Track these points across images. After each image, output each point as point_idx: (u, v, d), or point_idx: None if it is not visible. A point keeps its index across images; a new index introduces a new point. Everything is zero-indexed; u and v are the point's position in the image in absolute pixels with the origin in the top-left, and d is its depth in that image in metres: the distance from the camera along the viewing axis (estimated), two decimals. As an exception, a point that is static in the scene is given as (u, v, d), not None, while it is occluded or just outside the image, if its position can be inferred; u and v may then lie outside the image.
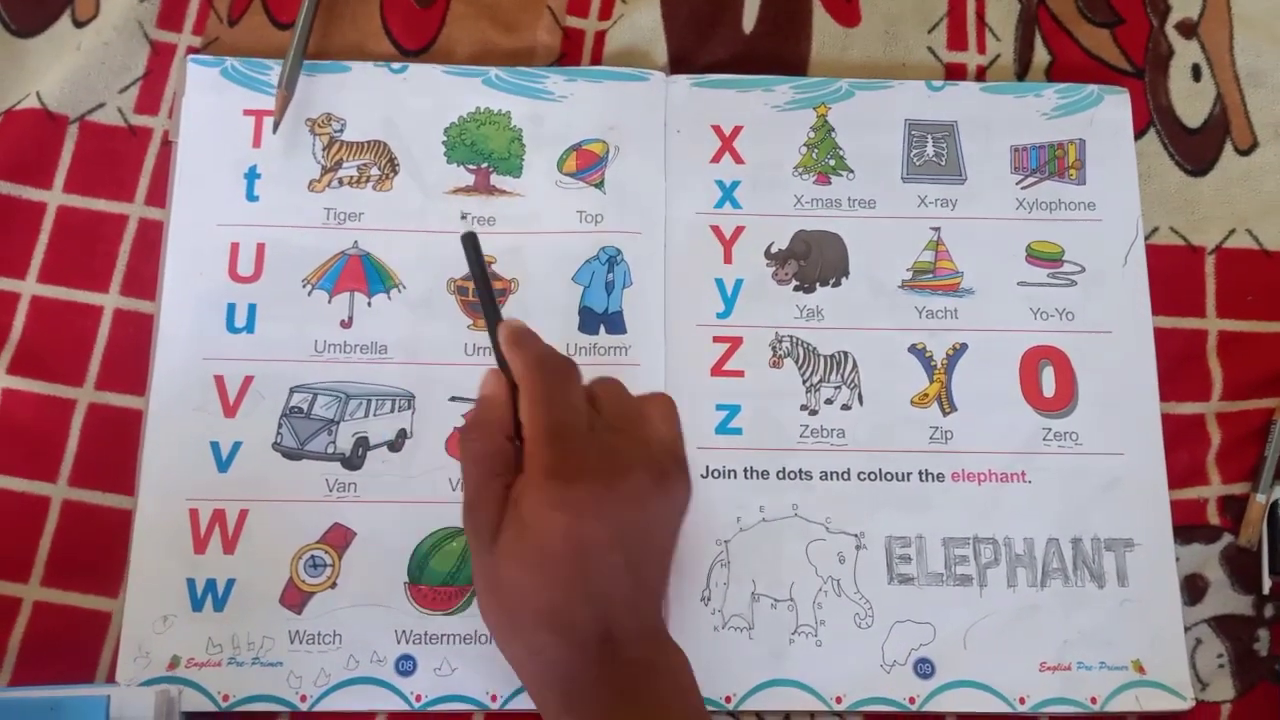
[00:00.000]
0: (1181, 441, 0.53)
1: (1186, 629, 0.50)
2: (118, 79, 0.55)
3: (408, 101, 0.55)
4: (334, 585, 0.49)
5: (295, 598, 0.49)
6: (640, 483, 0.41)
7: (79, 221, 0.53)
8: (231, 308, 0.52)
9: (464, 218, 0.53)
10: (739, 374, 0.53)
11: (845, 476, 0.52)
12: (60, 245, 0.53)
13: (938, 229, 0.55)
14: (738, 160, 0.55)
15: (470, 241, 0.44)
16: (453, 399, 0.51)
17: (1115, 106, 0.57)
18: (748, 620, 0.50)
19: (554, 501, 0.40)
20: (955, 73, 0.58)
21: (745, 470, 0.52)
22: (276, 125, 0.53)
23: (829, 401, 0.53)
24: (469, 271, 0.45)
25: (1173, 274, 0.55)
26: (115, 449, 0.50)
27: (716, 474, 0.51)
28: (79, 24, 0.56)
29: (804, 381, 0.53)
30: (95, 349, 0.52)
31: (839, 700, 0.49)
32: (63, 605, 0.49)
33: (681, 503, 0.44)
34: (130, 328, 0.52)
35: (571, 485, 0.40)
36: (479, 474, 0.42)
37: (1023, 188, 0.56)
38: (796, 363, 0.53)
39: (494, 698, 0.48)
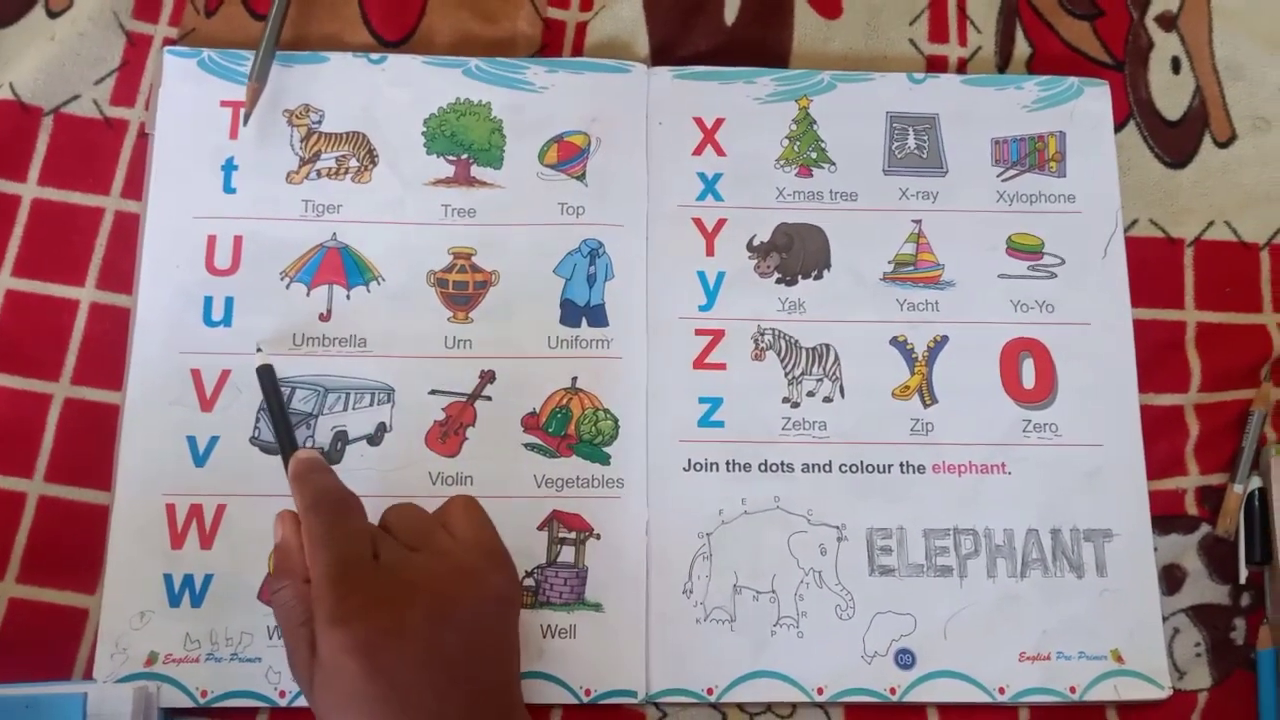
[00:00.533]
0: (1160, 432, 0.53)
1: (1164, 618, 0.51)
2: (93, 70, 0.54)
3: (387, 92, 0.55)
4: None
5: (274, 593, 0.49)
6: (433, 598, 0.40)
7: (54, 214, 0.53)
8: (209, 301, 0.52)
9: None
10: (721, 367, 0.53)
11: (827, 469, 0.52)
12: (35, 238, 0.52)
13: (919, 221, 0.55)
14: (719, 153, 0.55)
15: (265, 374, 0.46)
16: (432, 392, 0.51)
17: (1095, 99, 0.57)
18: (729, 612, 0.50)
19: (343, 645, 0.39)
20: (936, 65, 0.58)
21: (727, 463, 0.51)
22: (247, 117, 0.53)
23: (811, 394, 0.53)
24: (265, 401, 0.48)
25: (1152, 266, 0.55)
26: (92, 444, 0.50)
27: (698, 467, 0.51)
28: (52, 14, 0.55)
29: (786, 374, 0.53)
30: (71, 343, 0.51)
31: (820, 691, 0.49)
32: (39, 602, 0.48)
33: (498, 594, 0.43)
34: (107, 321, 0.52)
35: (357, 624, 0.39)
36: (285, 623, 0.42)
37: (1003, 180, 0.56)
38: (778, 355, 0.53)
39: (475, 692, 0.48)
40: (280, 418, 0.48)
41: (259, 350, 0.50)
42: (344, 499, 0.44)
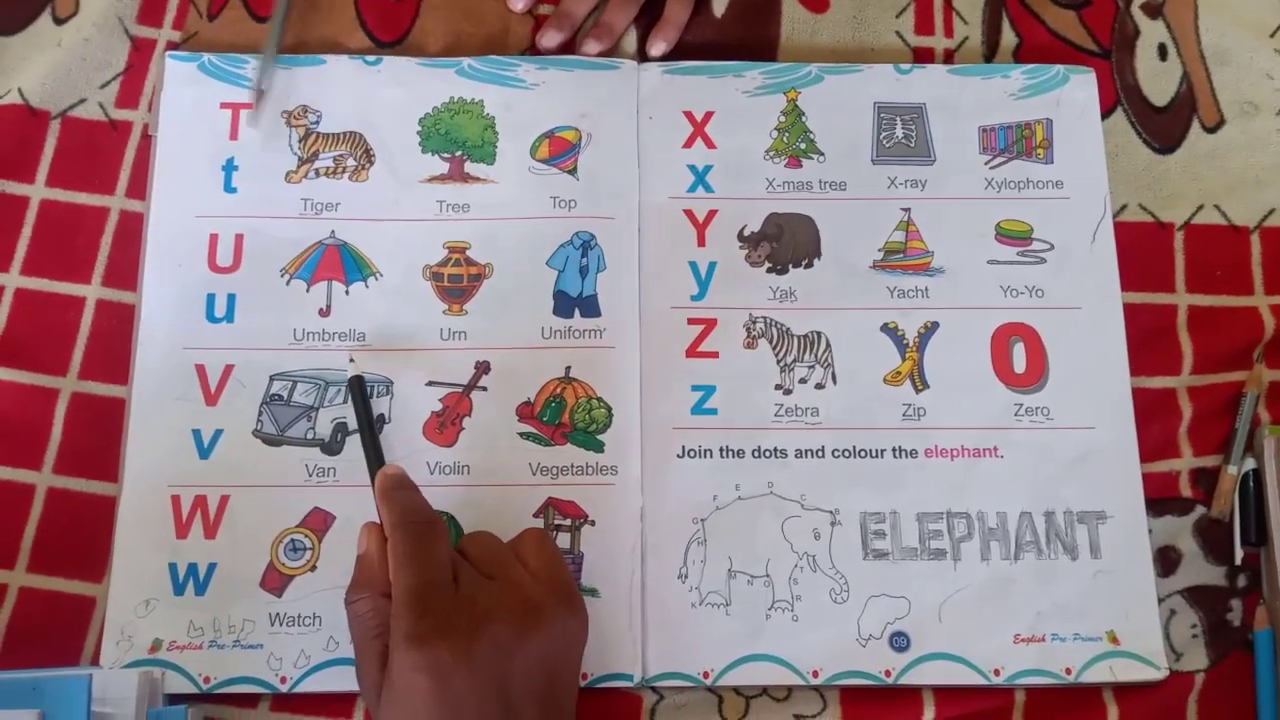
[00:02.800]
0: (1153, 415, 0.53)
1: (1160, 600, 0.51)
2: (98, 74, 0.56)
3: (382, 93, 0.56)
4: (314, 568, 0.50)
5: (275, 581, 0.49)
6: (506, 629, 0.42)
7: (61, 214, 0.54)
8: (211, 298, 0.53)
9: (441, 207, 0.54)
10: (713, 355, 0.53)
11: (820, 454, 0.52)
12: (43, 238, 0.54)
13: (908, 209, 0.56)
14: (709, 145, 0.56)
15: (356, 385, 0.47)
16: (429, 384, 0.52)
17: (1081, 86, 0.57)
18: (724, 597, 0.50)
19: (416, 665, 0.41)
20: (923, 57, 0.59)
21: (721, 450, 0.52)
22: (254, 120, 0.54)
23: (803, 381, 0.53)
24: (354, 410, 0.49)
25: (1142, 250, 0.56)
26: (98, 437, 0.51)
27: (692, 454, 0.52)
28: (59, 21, 0.57)
29: (778, 362, 0.53)
30: (78, 339, 0.53)
31: (815, 674, 0.49)
32: (48, 591, 0.50)
33: (567, 634, 0.44)
34: (112, 318, 0.53)
35: (431, 647, 0.41)
36: (359, 634, 0.44)
37: (991, 168, 0.56)
38: (770, 343, 0.54)
39: (473, 676, 0.48)
40: (368, 431, 0.49)
41: (351, 361, 0.51)
42: (431, 521, 0.45)
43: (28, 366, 0.52)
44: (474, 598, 0.42)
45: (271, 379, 0.52)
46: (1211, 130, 0.58)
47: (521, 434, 0.52)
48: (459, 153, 0.55)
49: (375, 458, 0.48)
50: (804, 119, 0.57)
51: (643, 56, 0.58)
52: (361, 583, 0.44)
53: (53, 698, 0.44)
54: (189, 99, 0.55)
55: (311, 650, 0.48)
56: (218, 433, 0.51)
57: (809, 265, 0.55)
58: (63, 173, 0.55)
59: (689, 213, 0.55)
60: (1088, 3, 0.60)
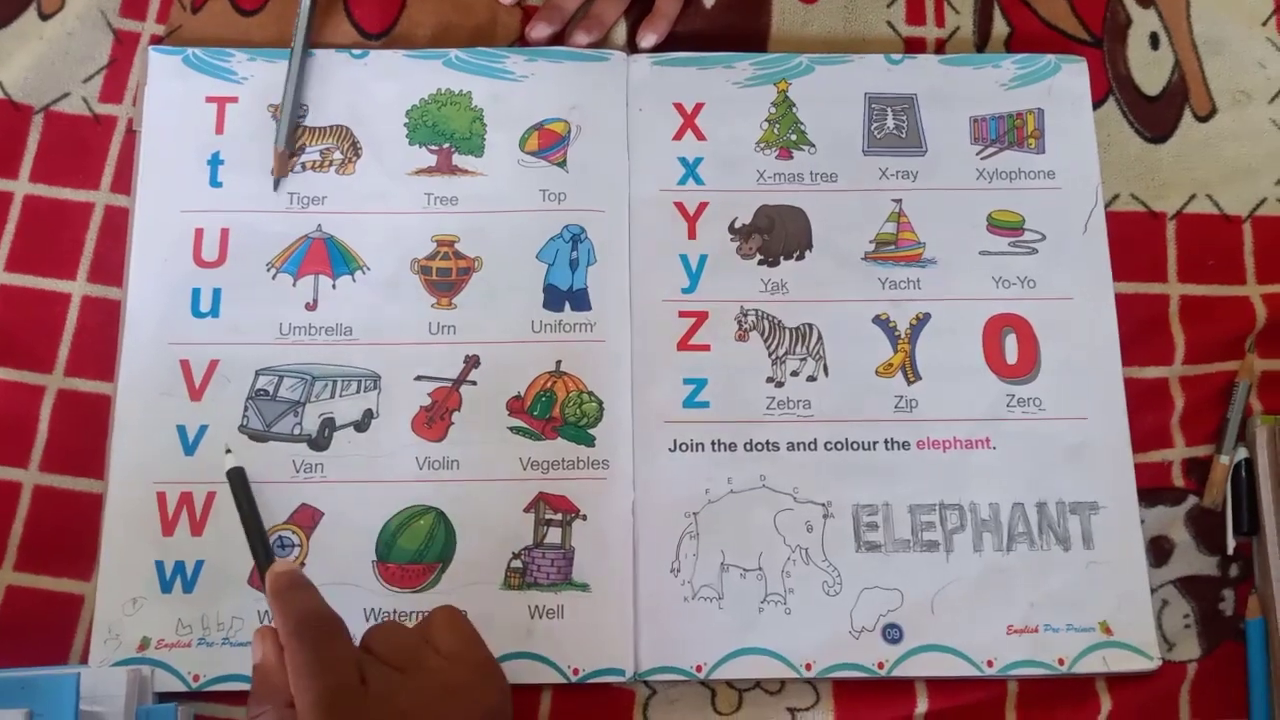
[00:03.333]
0: (1145, 405, 0.53)
1: (1153, 590, 0.51)
2: (82, 68, 0.55)
3: (369, 85, 0.55)
4: (302, 565, 0.49)
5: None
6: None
7: (45, 210, 0.54)
8: (197, 292, 0.52)
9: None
10: (705, 348, 0.53)
11: (812, 447, 0.52)
12: (27, 233, 0.53)
13: (899, 200, 0.55)
14: (700, 137, 0.56)
15: (236, 477, 0.46)
16: (418, 378, 0.52)
17: (1073, 75, 0.57)
18: (717, 590, 0.50)
19: None
20: (915, 47, 0.58)
21: (713, 443, 0.52)
22: (277, 184, 0.53)
23: (795, 373, 0.53)
24: (236, 505, 0.47)
25: (1134, 240, 0.56)
26: (85, 434, 0.51)
27: (684, 447, 0.52)
28: (45, 17, 0.56)
29: (770, 354, 0.53)
30: (64, 336, 0.52)
31: (809, 667, 0.49)
32: (35, 589, 0.49)
33: (488, 709, 0.41)
34: (98, 314, 0.52)
35: None
36: None
37: (982, 158, 0.56)
38: (762, 336, 0.53)
39: (464, 672, 0.48)
40: (253, 524, 0.47)
41: (228, 452, 0.49)
42: (328, 620, 0.42)
43: (13, 364, 0.51)
44: (387, 696, 0.40)
45: (257, 374, 0.51)
46: (1204, 119, 0.58)
47: (512, 428, 0.51)
48: (447, 145, 0.55)
49: (264, 554, 0.46)
50: (795, 110, 0.56)
51: (632, 48, 0.57)
52: (262, 695, 0.41)
53: (41, 696, 0.43)
54: (174, 93, 0.55)
55: (301, 647, 0.48)
56: (203, 428, 0.51)
57: (800, 257, 0.55)
58: (47, 168, 0.54)
59: (679, 205, 0.55)
60: (1079, -9, 0.59)
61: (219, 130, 0.54)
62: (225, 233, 0.53)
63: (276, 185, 0.53)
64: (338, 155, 0.54)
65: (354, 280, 0.53)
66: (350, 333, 0.52)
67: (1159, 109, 0.58)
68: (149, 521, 0.49)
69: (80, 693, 0.44)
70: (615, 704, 0.49)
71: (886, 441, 0.52)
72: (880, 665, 0.49)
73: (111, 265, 0.53)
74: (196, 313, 0.52)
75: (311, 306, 0.53)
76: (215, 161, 0.54)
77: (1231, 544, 0.51)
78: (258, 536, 0.47)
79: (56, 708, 0.43)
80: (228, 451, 0.49)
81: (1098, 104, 0.57)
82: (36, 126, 0.55)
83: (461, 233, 0.54)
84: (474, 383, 0.52)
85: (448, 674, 0.41)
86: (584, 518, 0.50)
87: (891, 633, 0.50)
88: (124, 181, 0.54)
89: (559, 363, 0.52)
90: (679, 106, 0.56)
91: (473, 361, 0.52)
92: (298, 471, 0.50)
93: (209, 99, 0.55)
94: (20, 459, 0.51)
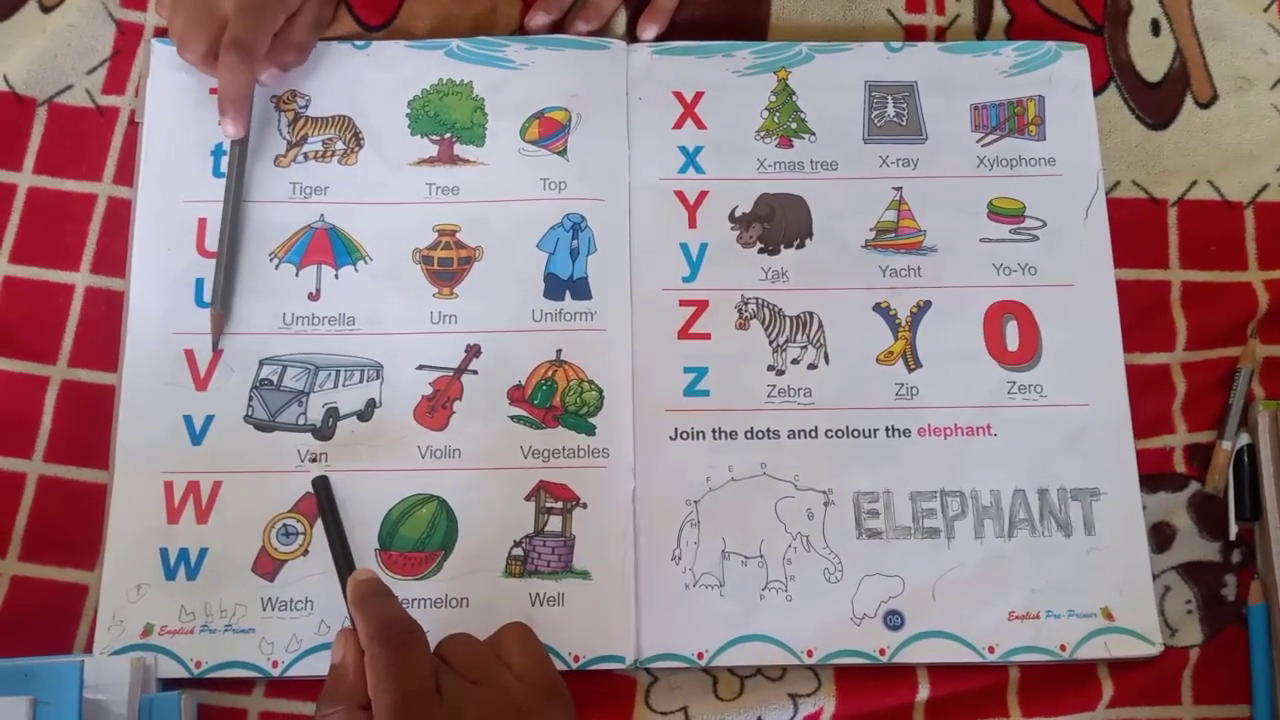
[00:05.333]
0: (1147, 391, 0.53)
1: (1155, 576, 0.51)
2: (84, 60, 0.56)
3: (371, 76, 0.56)
4: (306, 553, 0.50)
5: (267, 566, 0.49)
6: None
7: (49, 201, 0.54)
8: (200, 282, 0.53)
9: (428, 187, 0.53)
10: (706, 337, 0.53)
11: (813, 434, 0.52)
12: (31, 225, 0.54)
13: (900, 188, 0.55)
14: (700, 126, 0.56)
15: (321, 486, 0.46)
16: (420, 367, 0.52)
17: (1073, 62, 0.57)
18: (718, 578, 0.50)
19: None
20: (914, 34, 0.58)
21: (714, 431, 0.52)
22: (215, 343, 0.51)
23: (795, 361, 0.53)
24: (321, 513, 0.47)
25: (1135, 227, 0.55)
26: (89, 424, 0.51)
27: (685, 435, 0.52)
28: (46, 9, 0.56)
29: (770, 342, 0.53)
30: (67, 327, 0.52)
31: (810, 654, 0.49)
32: (40, 579, 0.49)
33: None
34: (101, 305, 0.53)
35: None
36: None
37: (983, 145, 0.56)
38: (763, 324, 0.53)
39: (466, 659, 0.48)
40: (336, 535, 0.48)
41: (312, 461, 0.50)
42: (410, 629, 0.42)
43: (17, 355, 0.52)
44: (460, 708, 0.40)
45: (261, 364, 0.52)
46: (1205, 106, 0.58)
47: (513, 417, 0.52)
48: (448, 135, 0.55)
49: (345, 563, 0.47)
50: (795, 98, 0.56)
51: (632, 38, 0.57)
52: (337, 695, 0.42)
53: (45, 685, 0.44)
54: (176, 84, 0.55)
55: (303, 634, 0.48)
56: (209, 418, 0.51)
57: (801, 245, 0.55)
58: (50, 160, 0.54)
59: (680, 194, 0.55)
60: (1079, -22, 0.59)
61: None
62: (228, 223, 0.53)
63: (215, 344, 0.51)
64: (340, 146, 0.55)
65: (356, 270, 0.53)
66: (353, 322, 0.53)
67: (1160, 95, 0.58)
68: (154, 509, 0.50)
69: (84, 681, 0.44)
70: (617, 691, 0.49)
71: (887, 429, 0.52)
72: (882, 652, 0.49)
73: (114, 256, 0.53)
74: (200, 302, 0.52)
75: (314, 296, 0.53)
76: (218, 152, 0.54)
77: (1234, 530, 0.51)
78: (340, 547, 0.47)
79: (60, 696, 0.44)
80: (312, 460, 0.49)
81: (1099, 91, 0.57)
82: (40, 119, 0.55)
83: (463, 222, 0.54)
84: (475, 372, 0.52)
85: (518, 692, 0.42)
86: (585, 506, 0.50)
87: (893, 619, 0.50)
88: (127, 173, 0.54)
89: (560, 351, 0.52)
90: (679, 95, 0.56)
91: (474, 351, 0.52)
92: (302, 460, 0.51)
93: (211, 90, 0.54)
94: (24, 450, 0.51)
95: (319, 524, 0.50)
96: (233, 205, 0.52)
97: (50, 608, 0.49)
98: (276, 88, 0.55)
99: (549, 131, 0.55)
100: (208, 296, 0.52)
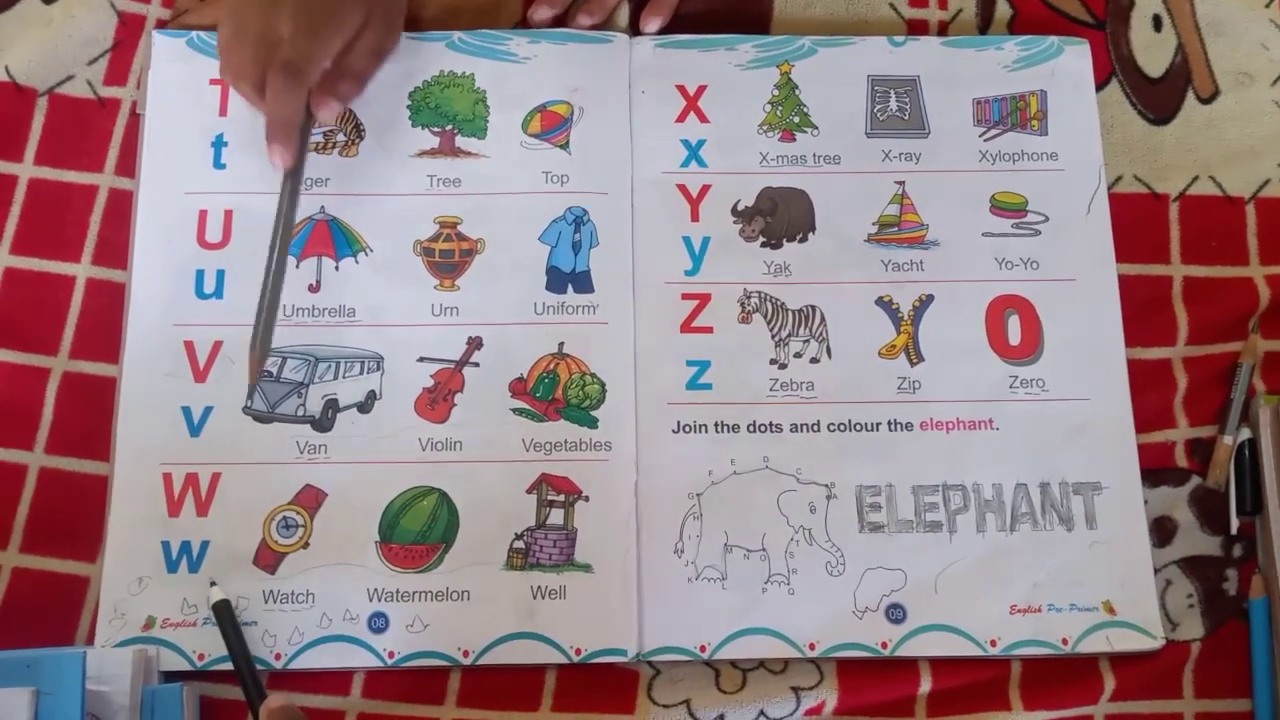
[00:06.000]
0: (1149, 386, 0.53)
1: (1156, 570, 0.51)
2: (86, 51, 0.56)
3: None
4: (306, 545, 0.49)
5: (268, 558, 0.49)
6: None
7: (50, 193, 0.54)
8: (200, 274, 0.52)
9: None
10: (708, 330, 0.53)
11: (815, 428, 0.52)
12: (32, 216, 0.53)
13: (902, 183, 0.55)
14: (703, 119, 0.56)
15: (222, 610, 0.46)
16: (421, 359, 0.52)
17: (1076, 57, 0.57)
18: (721, 571, 0.50)
19: None
20: (917, 29, 0.58)
21: (716, 425, 0.52)
22: (252, 390, 0.51)
23: (798, 355, 0.53)
24: (224, 639, 0.46)
25: (1137, 222, 0.55)
26: (90, 416, 0.51)
27: (687, 429, 0.52)
28: (48, 0, 0.56)
29: (773, 336, 0.53)
30: (69, 318, 0.52)
31: (812, 647, 0.49)
32: (41, 571, 0.49)
33: None
34: (103, 296, 0.53)
35: None
36: None
37: (985, 140, 0.56)
38: (765, 318, 0.53)
39: (466, 653, 0.48)
40: (243, 660, 0.46)
41: (213, 585, 0.48)
42: None
43: (18, 346, 0.52)
44: None
45: (262, 356, 0.52)
46: (1207, 101, 0.58)
47: (514, 410, 0.51)
48: (450, 127, 0.55)
49: (255, 691, 0.46)
50: (797, 92, 0.56)
51: (635, 31, 0.57)
52: None
53: (48, 676, 0.43)
54: (177, 76, 0.55)
55: (305, 627, 0.48)
56: (208, 410, 0.51)
57: (803, 239, 0.55)
58: (51, 151, 0.54)
59: (682, 187, 0.55)
60: (1082, -27, 0.59)
61: (222, 113, 0.54)
62: (229, 214, 0.53)
63: (251, 393, 0.50)
64: (340, 137, 0.55)
65: (357, 262, 0.53)
66: (353, 314, 0.52)
67: (1162, 91, 0.58)
68: (155, 502, 0.50)
69: (86, 672, 0.44)
70: (618, 684, 0.49)
71: (889, 423, 0.52)
72: (884, 645, 0.49)
73: (116, 247, 0.53)
74: (200, 294, 0.52)
75: (315, 288, 0.53)
76: (219, 144, 0.54)
77: (1235, 524, 0.51)
78: (247, 672, 0.46)
79: (63, 687, 0.43)
80: (213, 584, 0.48)
81: (1101, 86, 0.57)
82: (41, 109, 0.55)
83: (464, 214, 0.54)
84: (476, 364, 0.52)
85: None
86: (586, 499, 0.50)
87: (895, 613, 0.50)
88: (128, 164, 0.54)
89: (561, 344, 0.52)
90: (681, 89, 0.56)
91: (475, 343, 0.52)
92: (301, 453, 0.50)
93: (213, 81, 0.55)
94: (25, 441, 0.51)
95: (319, 517, 0.50)
96: (279, 247, 0.50)
97: (52, 599, 0.49)
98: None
99: (551, 125, 0.55)
100: (209, 288, 0.52)
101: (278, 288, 0.50)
